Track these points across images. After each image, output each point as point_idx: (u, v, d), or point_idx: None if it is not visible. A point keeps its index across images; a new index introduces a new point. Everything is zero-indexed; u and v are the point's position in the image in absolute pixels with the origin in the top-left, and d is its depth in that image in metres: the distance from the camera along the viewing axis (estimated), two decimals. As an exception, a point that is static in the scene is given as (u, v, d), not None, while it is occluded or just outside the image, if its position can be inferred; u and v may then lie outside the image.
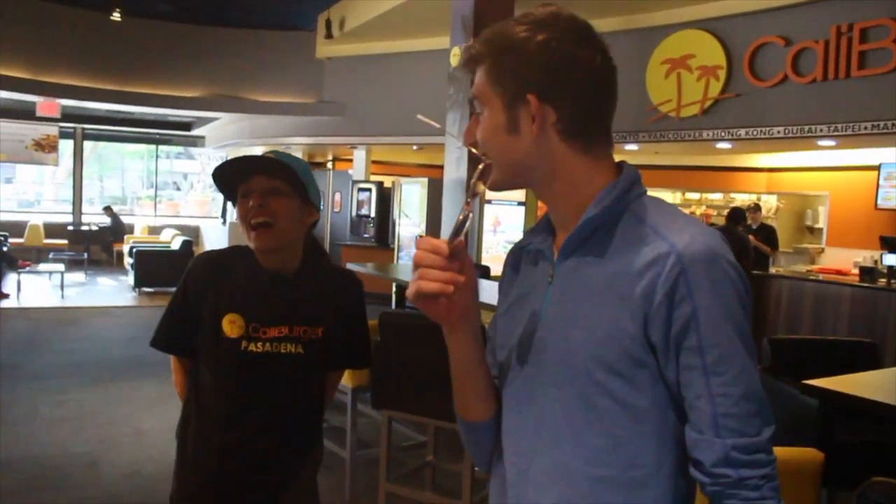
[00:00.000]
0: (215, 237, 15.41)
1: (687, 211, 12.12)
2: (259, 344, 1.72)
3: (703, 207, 11.66)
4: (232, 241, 13.81)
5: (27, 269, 11.45)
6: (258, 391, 1.75)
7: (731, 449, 0.96)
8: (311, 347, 1.76)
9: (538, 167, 1.07)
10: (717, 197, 11.77)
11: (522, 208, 8.40)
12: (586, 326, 1.01)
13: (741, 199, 11.01)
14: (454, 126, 7.89)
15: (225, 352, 1.73)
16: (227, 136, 14.18)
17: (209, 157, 18.41)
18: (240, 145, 13.99)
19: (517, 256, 1.23)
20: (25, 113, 13.04)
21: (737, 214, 8.19)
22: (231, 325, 1.72)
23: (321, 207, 1.83)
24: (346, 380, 4.27)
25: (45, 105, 11.89)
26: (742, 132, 7.65)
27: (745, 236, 8.15)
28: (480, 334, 1.13)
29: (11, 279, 11.13)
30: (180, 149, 18.34)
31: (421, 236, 1.11)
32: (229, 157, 1.73)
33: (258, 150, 14.33)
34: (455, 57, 7.90)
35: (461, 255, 1.00)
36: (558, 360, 1.04)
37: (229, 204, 15.20)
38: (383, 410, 4.03)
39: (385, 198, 12.20)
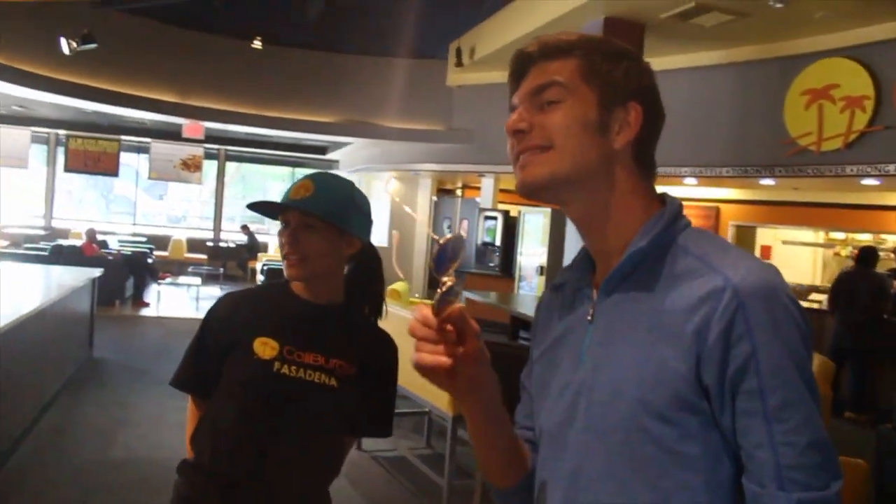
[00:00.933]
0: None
1: (831, 252, 11.41)
2: (293, 367, 1.65)
3: (850, 248, 10.90)
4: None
5: (167, 280, 12.19)
6: (287, 418, 1.65)
7: None
8: (344, 384, 1.69)
9: (602, 179, 1.01)
10: (865, 237, 10.97)
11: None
12: (632, 367, 0.94)
13: (894, 241, 10.22)
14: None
15: (257, 373, 1.65)
16: (360, 160, 14.66)
17: (345, 181, 19.04)
18: (371, 170, 14.41)
19: (552, 297, 1.17)
20: (173, 134, 14.12)
21: (868, 254, 7.61)
22: (264, 347, 1.66)
23: (368, 237, 1.77)
24: (448, 407, 4.25)
25: (190, 127, 12.77)
26: (891, 168, 7.10)
27: (884, 276, 7.55)
28: (498, 399, 1.06)
29: (152, 289, 11.93)
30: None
31: (419, 304, 1.04)
32: (291, 188, 1.69)
33: (389, 175, 14.75)
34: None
35: (460, 322, 0.93)
36: (601, 405, 0.97)
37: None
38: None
39: (511, 227, 12.21)
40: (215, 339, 1.72)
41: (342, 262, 1.75)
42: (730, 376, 0.88)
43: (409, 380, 4.75)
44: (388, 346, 1.81)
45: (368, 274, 1.82)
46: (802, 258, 10.26)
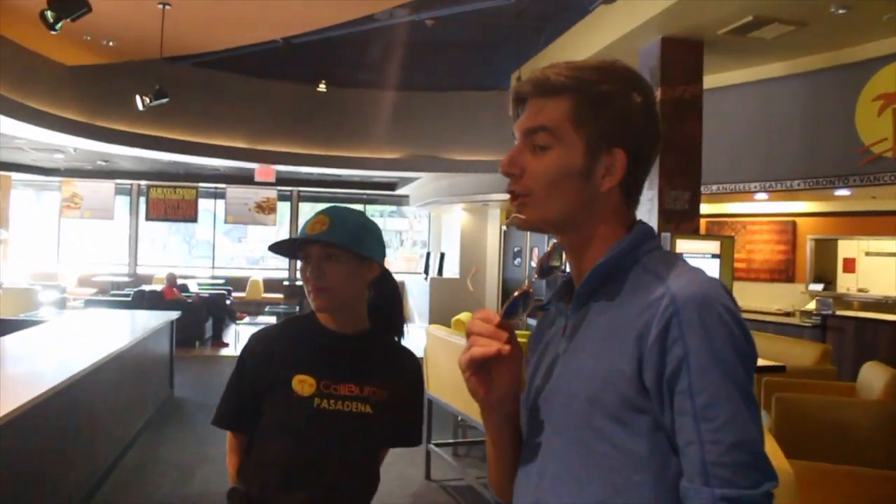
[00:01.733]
0: (418, 292, 16.05)
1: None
2: (331, 401, 1.75)
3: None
4: (434, 296, 14.36)
5: (245, 320, 12.58)
6: (330, 449, 1.75)
7: (720, 500, 0.90)
8: (378, 409, 1.78)
9: (588, 215, 1.08)
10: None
11: (717, 261, 8.01)
12: (586, 370, 1.02)
13: None
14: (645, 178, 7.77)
15: (298, 411, 1.74)
16: (429, 194, 14.87)
17: (416, 216, 19.34)
18: (440, 203, 14.60)
19: (542, 318, 1.25)
20: (246, 179, 14.66)
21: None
22: (302, 385, 1.75)
23: (383, 260, 1.86)
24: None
25: (261, 171, 13.24)
26: (974, 170, 6.82)
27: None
28: (516, 421, 1.15)
29: (231, 329, 12.32)
30: (393, 207, 19.39)
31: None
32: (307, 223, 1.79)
33: (458, 207, 14.91)
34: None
35: (512, 334, 1.05)
36: (559, 406, 1.05)
37: (432, 260, 15.87)
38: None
39: (579, 254, 12.13)
40: (252, 379, 1.81)
41: (364, 289, 1.83)
42: (666, 378, 0.94)
43: (472, 407, 4.79)
44: (412, 362, 1.93)
45: (387, 297, 1.92)
46: (889, 269, 9.84)
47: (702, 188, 7.80)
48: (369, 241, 1.79)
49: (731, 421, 0.91)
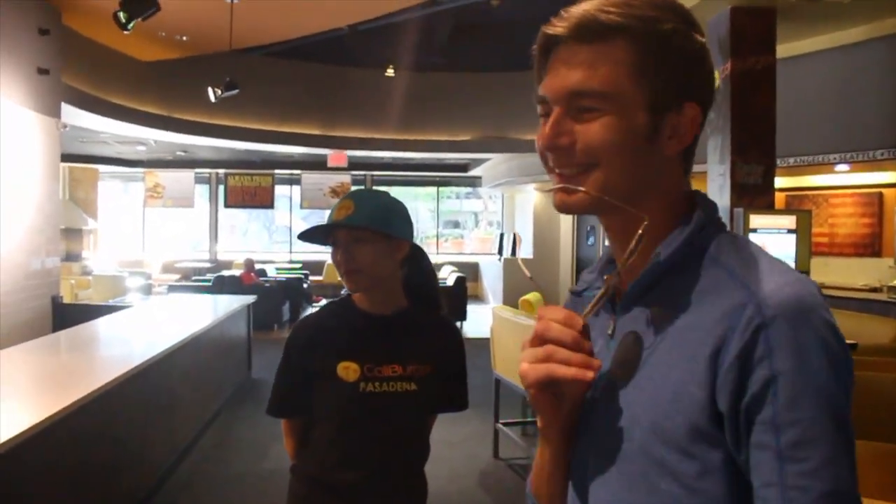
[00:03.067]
0: (492, 273, 16.18)
1: None
2: (376, 384, 1.82)
3: None
4: (506, 276, 14.46)
5: (321, 303, 12.96)
6: (379, 430, 1.83)
7: None
8: (423, 384, 1.85)
9: (649, 189, 0.91)
10: None
11: (793, 236, 7.84)
12: (649, 391, 0.85)
13: None
14: (715, 152, 7.66)
15: (346, 397, 1.82)
16: (500, 174, 14.92)
17: (491, 197, 19.43)
18: (513, 183, 14.65)
19: (575, 303, 1.04)
20: (320, 164, 15.03)
21: None
22: (347, 371, 1.82)
23: (411, 238, 1.89)
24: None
25: (334, 157, 13.57)
26: None
27: None
28: (574, 432, 0.96)
29: (307, 312, 12.71)
30: (468, 189, 19.52)
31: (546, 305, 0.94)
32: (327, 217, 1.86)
33: (530, 188, 14.92)
34: (715, 80, 7.71)
35: (588, 336, 0.86)
36: (615, 430, 0.88)
37: (506, 240, 15.93)
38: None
39: (651, 230, 11.98)
40: (299, 368, 1.88)
41: (396, 268, 1.88)
42: (745, 404, 0.77)
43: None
44: (452, 333, 2.01)
45: (421, 273, 1.97)
46: None
47: (778, 161, 7.63)
48: (395, 221, 1.82)
49: (826, 465, 0.74)
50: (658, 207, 0.90)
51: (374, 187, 17.93)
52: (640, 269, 0.90)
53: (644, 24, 0.85)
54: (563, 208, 0.91)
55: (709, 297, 0.83)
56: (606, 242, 0.99)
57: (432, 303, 1.99)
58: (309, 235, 1.89)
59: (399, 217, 1.85)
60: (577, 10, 0.86)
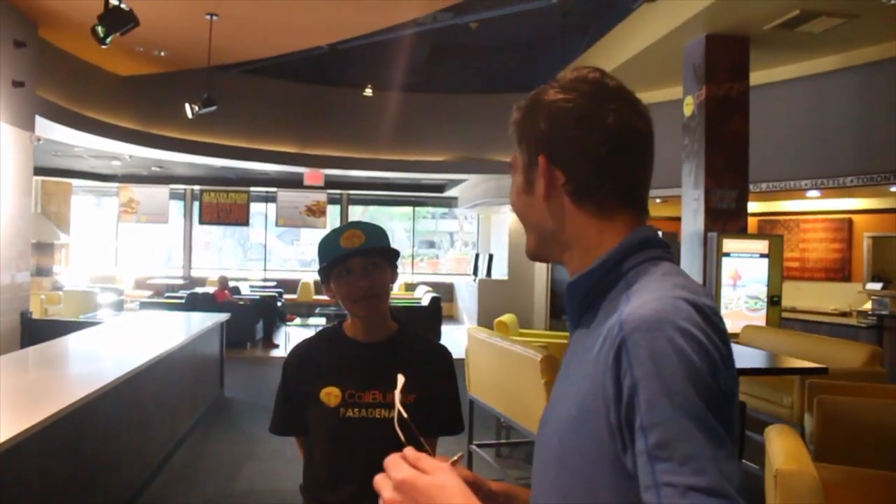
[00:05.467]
0: (467, 293, 16.17)
1: None
2: (356, 409, 1.89)
3: None
4: (482, 297, 14.46)
5: (295, 321, 12.87)
6: (357, 455, 1.88)
7: None
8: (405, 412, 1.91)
9: (554, 231, 1.06)
10: None
11: (765, 260, 7.94)
12: (563, 406, 0.96)
13: None
14: (690, 177, 7.75)
15: (327, 421, 1.90)
16: (476, 195, 14.99)
17: (466, 217, 19.48)
18: (488, 204, 14.71)
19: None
20: (296, 183, 14.96)
21: None
22: (328, 396, 1.90)
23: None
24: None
25: (310, 175, 13.56)
26: None
27: None
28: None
29: (281, 331, 12.62)
30: (445, 209, 19.56)
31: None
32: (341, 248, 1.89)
33: (506, 208, 14.97)
34: (688, 106, 7.83)
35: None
36: (548, 439, 0.99)
37: (481, 261, 15.95)
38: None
39: (627, 252, 12.06)
40: (293, 390, 1.99)
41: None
42: (623, 415, 0.84)
43: (514, 410, 4.89)
44: (440, 357, 2.04)
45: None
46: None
47: (750, 186, 7.74)
48: (396, 252, 1.96)
49: (689, 460, 0.79)
50: (579, 249, 1.04)
51: (350, 206, 17.93)
52: None
53: (518, 127, 1.09)
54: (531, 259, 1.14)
55: (608, 317, 0.92)
56: None
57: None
58: (330, 262, 1.90)
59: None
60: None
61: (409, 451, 0.98)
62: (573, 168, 1.02)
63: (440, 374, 2.00)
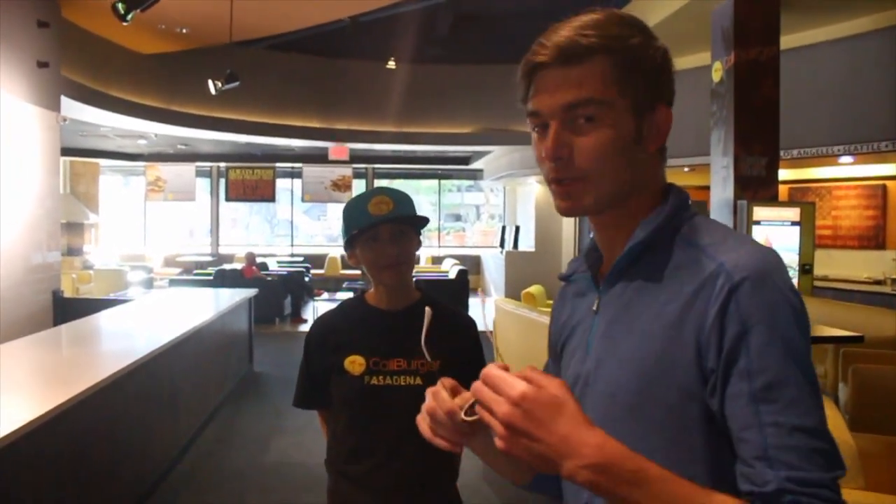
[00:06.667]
0: (493, 266, 16.15)
1: None
2: (380, 377, 1.89)
3: None
4: (508, 269, 14.43)
5: (322, 296, 12.96)
6: (383, 422, 1.89)
7: (785, 481, 0.81)
8: (428, 379, 1.86)
9: (637, 185, 1.02)
10: None
11: (797, 228, 7.81)
12: (634, 360, 0.95)
13: None
14: (718, 144, 7.63)
15: (352, 389, 1.90)
16: (502, 167, 14.90)
17: (492, 189, 19.40)
18: (514, 176, 14.62)
19: (564, 289, 1.20)
20: (322, 158, 14.96)
21: None
22: (353, 365, 1.90)
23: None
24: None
25: (335, 150, 13.54)
26: None
27: None
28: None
29: (309, 306, 12.72)
30: (470, 182, 19.49)
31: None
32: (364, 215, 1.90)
33: (532, 180, 14.89)
34: (717, 72, 7.68)
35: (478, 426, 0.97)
36: (603, 396, 0.98)
37: (508, 233, 15.91)
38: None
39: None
40: (316, 363, 1.99)
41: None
42: (723, 359, 0.86)
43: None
44: (465, 324, 2.02)
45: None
46: None
47: (781, 153, 7.60)
48: (422, 219, 1.94)
49: (795, 403, 0.84)
50: (642, 200, 1.03)
51: (375, 180, 17.93)
52: (619, 252, 1.02)
53: (617, 42, 0.97)
54: (565, 212, 1.02)
55: (684, 272, 0.94)
56: (591, 233, 1.12)
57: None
58: (350, 234, 1.91)
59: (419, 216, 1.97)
60: (557, 38, 0.97)
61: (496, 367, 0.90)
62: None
63: (465, 340, 1.98)
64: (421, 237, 1.97)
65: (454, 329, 1.97)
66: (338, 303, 2.16)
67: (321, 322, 2.05)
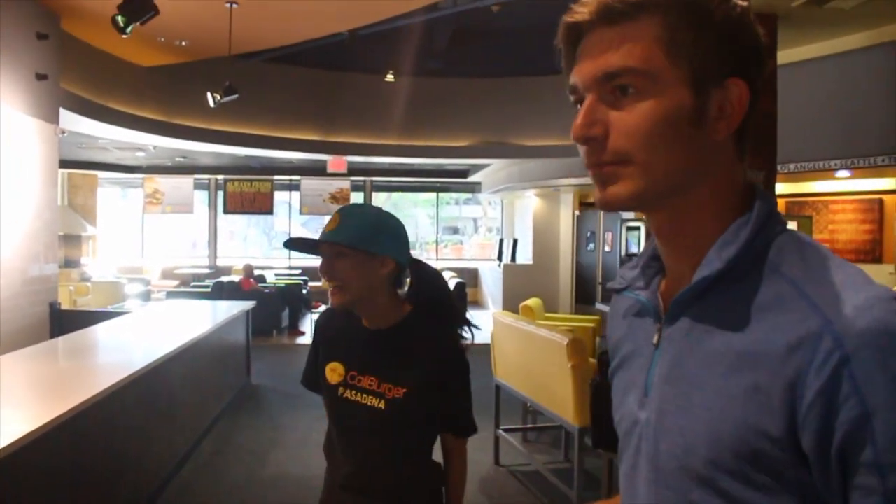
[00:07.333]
0: (491, 279, 16.17)
1: None
2: (353, 392, 1.87)
3: None
4: (506, 282, 14.45)
5: (320, 309, 12.97)
6: (350, 436, 1.90)
7: None
8: (391, 406, 1.82)
9: (697, 181, 0.82)
10: None
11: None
12: (705, 419, 0.77)
13: None
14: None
15: (328, 396, 1.92)
16: (500, 180, 14.94)
17: (490, 202, 19.44)
18: (512, 189, 14.67)
19: (618, 302, 1.01)
20: (320, 170, 15.03)
21: None
22: (332, 373, 1.90)
23: (397, 255, 1.86)
24: (574, 419, 4.35)
25: (334, 162, 13.59)
26: None
27: None
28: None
29: (307, 318, 12.71)
30: (468, 195, 19.53)
31: None
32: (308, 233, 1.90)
33: (530, 193, 14.93)
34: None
35: None
36: (669, 458, 0.82)
37: (506, 246, 15.92)
38: (604, 451, 4.02)
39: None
40: (317, 351, 2.01)
41: (382, 284, 1.85)
42: (837, 447, 0.69)
43: (540, 394, 4.89)
44: (446, 354, 1.89)
45: (428, 291, 1.94)
46: None
47: (778, 167, 7.63)
48: (378, 237, 1.81)
49: None
50: (710, 201, 0.82)
51: (374, 193, 17.97)
52: (690, 272, 0.82)
53: (671, 2, 0.78)
54: (603, 205, 0.82)
55: (770, 315, 0.75)
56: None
57: (446, 317, 1.95)
58: (294, 245, 1.92)
59: (385, 233, 1.84)
60: None
61: None
62: (754, 99, 0.81)
63: (443, 367, 1.86)
64: (389, 258, 1.83)
65: (435, 354, 1.87)
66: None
67: (326, 315, 2.05)
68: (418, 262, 1.96)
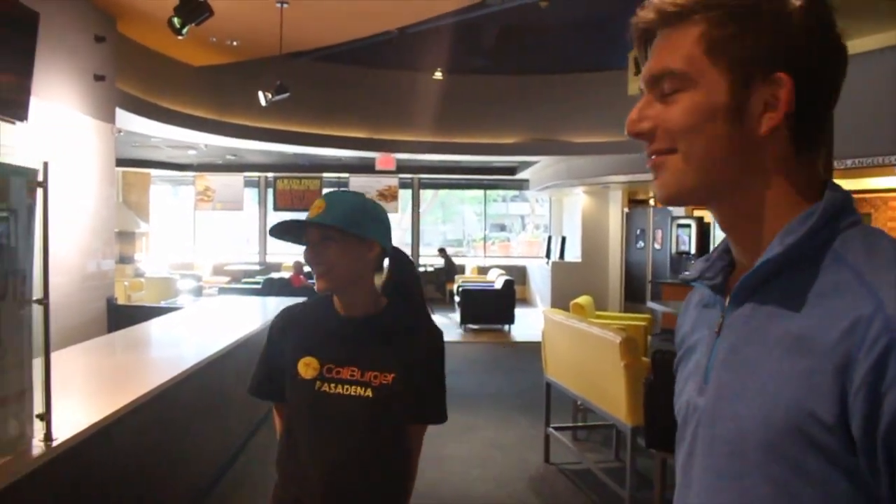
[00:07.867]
0: (539, 276, 16.11)
1: None
2: (332, 385, 1.82)
3: None
4: (555, 280, 14.37)
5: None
6: (331, 431, 1.83)
7: None
8: (380, 393, 1.81)
9: (747, 175, 0.84)
10: None
11: None
12: (759, 403, 0.78)
13: None
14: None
15: (302, 393, 1.84)
16: (548, 177, 14.87)
17: (538, 200, 19.35)
18: (560, 186, 14.58)
19: (692, 293, 1.05)
20: (368, 168, 15.16)
21: None
22: (306, 368, 1.84)
23: (382, 240, 1.87)
24: (626, 418, 4.32)
25: (382, 160, 13.66)
26: None
27: None
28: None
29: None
30: (515, 192, 19.49)
31: None
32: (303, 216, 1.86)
33: (578, 190, 14.82)
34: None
35: None
36: (725, 445, 0.83)
37: (554, 244, 15.84)
38: (657, 451, 3.99)
39: (705, 234, 11.82)
40: (276, 354, 1.93)
41: (369, 269, 1.88)
42: (884, 433, 0.68)
43: (591, 392, 4.86)
44: (429, 339, 1.93)
45: (402, 277, 1.96)
46: None
47: (835, 163, 7.46)
48: (365, 222, 1.83)
49: None
50: (767, 193, 0.84)
51: (421, 190, 18.02)
52: (754, 259, 0.84)
53: (713, 2, 0.81)
54: (657, 196, 0.89)
55: (828, 300, 0.75)
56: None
57: (415, 304, 1.97)
58: (280, 232, 1.89)
59: (371, 218, 1.85)
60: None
61: None
62: (809, 96, 0.81)
63: (421, 355, 1.89)
64: (375, 243, 1.85)
65: (414, 343, 1.90)
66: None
67: (287, 312, 1.98)
68: (398, 249, 1.97)
